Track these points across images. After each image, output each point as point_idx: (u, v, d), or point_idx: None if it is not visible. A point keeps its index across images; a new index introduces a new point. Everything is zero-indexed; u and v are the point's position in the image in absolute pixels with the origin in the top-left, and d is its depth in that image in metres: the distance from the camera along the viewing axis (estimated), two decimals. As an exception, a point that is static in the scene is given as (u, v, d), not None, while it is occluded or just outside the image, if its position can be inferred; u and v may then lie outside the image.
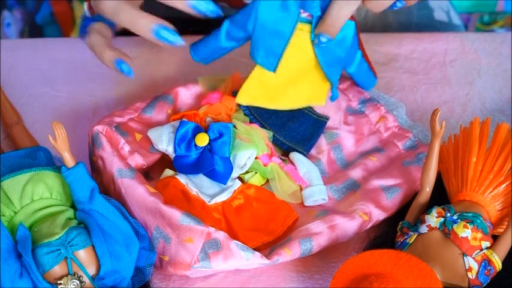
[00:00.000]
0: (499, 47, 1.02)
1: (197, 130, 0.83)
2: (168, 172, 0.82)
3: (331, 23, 0.81)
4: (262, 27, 0.83)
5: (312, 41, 0.83)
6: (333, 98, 0.88)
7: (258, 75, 0.85)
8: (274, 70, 0.84)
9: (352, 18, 0.84)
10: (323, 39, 0.82)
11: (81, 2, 1.86)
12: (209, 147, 0.82)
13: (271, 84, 0.85)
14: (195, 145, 0.82)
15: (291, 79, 0.85)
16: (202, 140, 0.82)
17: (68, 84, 0.97)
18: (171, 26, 0.77)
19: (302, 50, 0.84)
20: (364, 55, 0.88)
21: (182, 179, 0.81)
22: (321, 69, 0.85)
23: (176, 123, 0.84)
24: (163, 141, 0.83)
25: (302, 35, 0.83)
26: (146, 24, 0.77)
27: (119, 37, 1.02)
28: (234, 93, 0.87)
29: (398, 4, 0.83)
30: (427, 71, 1.00)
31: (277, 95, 0.86)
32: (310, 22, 0.83)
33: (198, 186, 0.82)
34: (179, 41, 0.77)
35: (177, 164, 0.82)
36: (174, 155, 0.83)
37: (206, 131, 0.83)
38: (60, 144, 0.75)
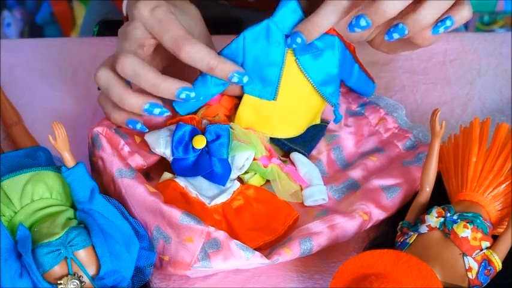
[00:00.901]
0: (499, 47, 1.02)
1: (194, 132, 0.83)
2: (167, 175, 0.82)
3: (313, 22, 0.80)
4: (253, 60, 0.83)
5: (285, 42, 0.83)
6: (336, 121, 0.87)
7: (248, 99, 0.85)
8: (274, 98, 0.84)
9: (333, 31, 0.84)
10: (298, 40, 0.81)
11: (81, 2, 1.87)
12: (207, 150, 0.82)
13: (266, 109, 0.85)
14: (193, 147, 0.82)
15: (289, 107, 0.85)
16: (199, 142, 0.82)
17: (68, 84, 0.97)
18: (159, 101, 0.80)
19: (294, 76, 0.84)
20: (362, 67, 0.88)
21: (181, 181, 0.81)
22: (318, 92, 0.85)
23: (173, 126, 0.84)
24: (161, 144, 0.83)
25: (292, 60, 0.84)
26: (137, 103, 0.80)
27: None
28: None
29: (448, 23, 0.80)
30: (427, 71, 1.00)
31: (276, 123, 0.86)
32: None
33: (197, 188, 0.82)
34: (166, 113, 0.81)
35: (175, 167, 0.82)
36: (171, 158, 0.83)
37: (203, 133, 0.83)
38: (60, 144, 0.75)
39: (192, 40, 0.79)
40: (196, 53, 0.78)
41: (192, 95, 0.79)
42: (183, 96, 0.79)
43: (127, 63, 0.79)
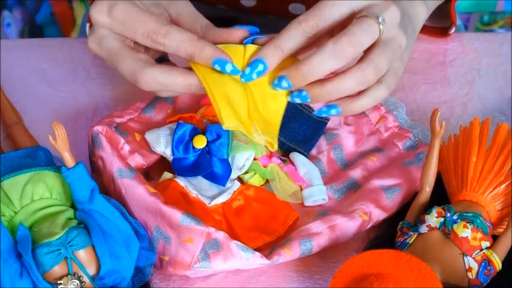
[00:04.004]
0: (499, 47, 1.02)
1: (194, 132, 0.83)
2: (167, 175, 0.82)
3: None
4: None
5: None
6: None
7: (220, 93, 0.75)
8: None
9: None
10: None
11: (81, 2, 1.87)
12: (207, 149, 0.82)
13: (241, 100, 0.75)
14: (193, 147, 0.82)
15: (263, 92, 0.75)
16: (200, 142, 0.82)
17: (68, 84, 0.97)
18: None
19: None
20: None
21: (181, 181, 0.81)
22: None
23: (173, 125, 0.84)
24: (161, 143, 0.83)
25: None
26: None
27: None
28: None
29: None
30: (427, 71, 1.00)
31: (259, 112, 0.75)
32: None
33: (197, 188, 0.82)
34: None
35: (175, 167, 0.82)
36: (172, 157, 0.83)
37: (204, 133, 0.83)
38: (60, 144, 0.75)
39: (163, 30, 0.73)
40: (172, 43, 0.73)
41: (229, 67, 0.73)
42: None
43: (147, 77, 0.74)
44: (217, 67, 0.73)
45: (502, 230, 0.77)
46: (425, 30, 1.00)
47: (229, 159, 0.83)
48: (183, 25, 0.78)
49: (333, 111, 0.74)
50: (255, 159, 0.84)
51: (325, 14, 0.73)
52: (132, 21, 0.74)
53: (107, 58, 0.77)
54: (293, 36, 0.72)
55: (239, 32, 0.76)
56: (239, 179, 0.85)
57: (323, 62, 0.71)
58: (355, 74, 0.72)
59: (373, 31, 0.72)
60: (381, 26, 0.72)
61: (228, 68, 0.73)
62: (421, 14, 0.83)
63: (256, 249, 0.77)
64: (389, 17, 0.73)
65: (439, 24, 1.00)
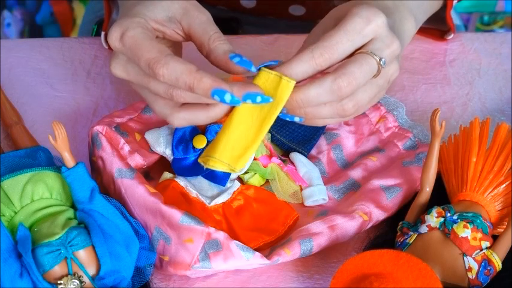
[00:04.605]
0: (499, 47, 1.02)
1: (194, 132, 0.83)
2: (167, 175, 0.82)
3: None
4: None
5: None
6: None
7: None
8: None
9: None
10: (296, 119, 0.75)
11: (81, 2, 1.87)
12: (207, 149, 0.82)
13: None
14: (193, 147, 0.82)
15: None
16: (200, 142, 0.82)
17: (68, 84, 0.97)
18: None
19: None
20: None
21: (181, 181, 0.81)
22: None
23: (173, 125, 0.84)
24: (161, 143, 0.83)
25: None
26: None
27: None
28: None
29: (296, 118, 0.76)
30: (427, 71, 1.00)
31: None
32: None
33: (197, 188, 0.82)
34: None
35: (175, 167, 0.82)
36: (172, 157, 0.83)
37: (204, 133, 0.83)
38: (60, 144, 0.75)
39: (163, 61, 0.71)
40: (170, 75, 0.71)
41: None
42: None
43: (178, 121, 0.75)
44: (216, 98, 0.70)
45: (502, 230, 0.77)
46: (425, 31, 1.00)
47: (229, 159, 0.83)
48: (194, 37, 0.77)
49: (296, 119, 0.76)
50: (255, 159, 0.84)
51: (339, 49, 0.74)
52: (138, 48, 0.73)
53: (136, 81, 0.76)
54: (305, 69, 0.74)
55: (236, 68, 0.74)
56: (239, 179, 0.85)
57: (319, 96, 0.73)
58: (334, 106, 0.74)
59: (372, 72, 0.74)
60: (380, 67, 0.74)
61: (227, 98, 0.70)
62: (411, 29, 0.84)
63: (256, 249, 0.77)
64: (391, 54, 0.75)
65: (438, 27, 1.00)
